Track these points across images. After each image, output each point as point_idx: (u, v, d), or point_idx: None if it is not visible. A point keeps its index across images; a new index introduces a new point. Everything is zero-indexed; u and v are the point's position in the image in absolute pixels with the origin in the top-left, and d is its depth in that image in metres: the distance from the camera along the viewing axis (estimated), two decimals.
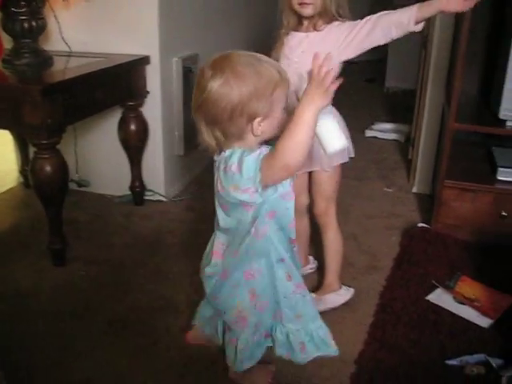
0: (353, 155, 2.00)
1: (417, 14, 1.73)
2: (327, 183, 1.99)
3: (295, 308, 1.53)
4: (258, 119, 1.29)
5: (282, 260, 1.46)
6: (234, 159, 1.30)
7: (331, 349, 1.60)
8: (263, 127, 1.31)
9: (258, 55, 1.35)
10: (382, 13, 1.81)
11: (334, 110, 1.89)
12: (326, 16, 1.80)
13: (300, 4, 1.78)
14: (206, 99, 1.28)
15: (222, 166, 1.34)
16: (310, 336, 1.57)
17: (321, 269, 2.21)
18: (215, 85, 1.26)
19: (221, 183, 1.36)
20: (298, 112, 1.22)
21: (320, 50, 1.59)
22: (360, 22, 1.79)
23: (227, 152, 1.34)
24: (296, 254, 1.52)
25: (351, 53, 1.83)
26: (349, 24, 1.80)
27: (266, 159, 1.26)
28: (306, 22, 1.85)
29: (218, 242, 1.52)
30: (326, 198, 2.01)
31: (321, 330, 1.59)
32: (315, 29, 1.82)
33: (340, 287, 2.09)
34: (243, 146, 1.32)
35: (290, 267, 1.48)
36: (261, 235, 1.41)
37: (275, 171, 1.26)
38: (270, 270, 1.46)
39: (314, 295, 1.97)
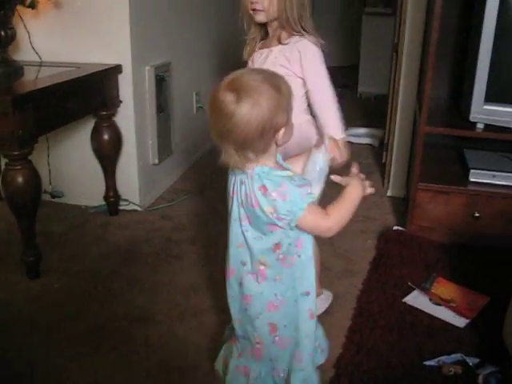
0: None
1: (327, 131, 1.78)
2: None
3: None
4: (282, 130, 1.29)
5: (307, 293, 1.41)
6: (271, 184, 1.27)
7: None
8: (283, 135, 1.30)
9: (262, 69, 1.40)
10: (321, 98, 1.82)
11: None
12: (289, 27, 1.76)
13: (253, 10, 1.75)
14: (236, 124, 1.23)
15: (255, 184, 1.28)
16: None
17: None
18: (245, 107, 1.22)
19: (256, 200, 1.28)
20: (354, 196, 1.41)
21: (285, 66, 1.72)
22: (310, 79, 1.79)
23: (256, 169, 1.29)
24: None
25: None
26: (309, 61, 1.77)
27: (317, 214, 1.31)
28: (270, 32, 1.82)
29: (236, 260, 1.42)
30: None
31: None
32: (280, 42, 1.78)
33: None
34: (266, 158, 1.31)
35: (313, 303, 1.43)
36: (289, 263, 1.38)
37: (317, 228, 1.33)
38: (295, 303, 1.41)
39: None
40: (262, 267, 1.36)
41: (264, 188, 1.27)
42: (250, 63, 1.88)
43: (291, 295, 1.39)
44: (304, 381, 1.46)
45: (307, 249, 1.39)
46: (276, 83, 1.27)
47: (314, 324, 1.44)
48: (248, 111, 1.22)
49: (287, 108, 1.28)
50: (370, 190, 1.44)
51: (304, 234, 1.36)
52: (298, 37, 1.78)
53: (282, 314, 1.39)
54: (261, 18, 1.75)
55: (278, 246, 1.34)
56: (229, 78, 1.27)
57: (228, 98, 1.23)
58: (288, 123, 1.30)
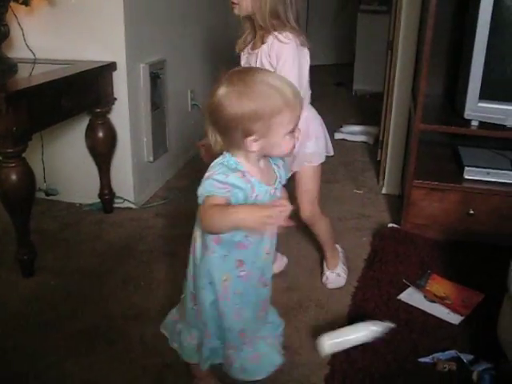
0: (332, 153, 2.06)
1: None
2: (310, 184, 2.03)
3: None
4: (251, 137, 1.27)
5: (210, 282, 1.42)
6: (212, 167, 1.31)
7: None
8: (260, 145, 1.28)
9: (279, 75, 1.37)
10: None
11: (315, 113, 2.02)
12: (265, 25, 1.77)
13: (232, 3, 1.78)
14: (212, 102, 1.27)
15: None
16: None
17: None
18: (221, 93, 1.25)
19: None
20: (233, 211, 1.25)
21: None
22: None
23: (219, 159, 1.32)
24: None
25: None
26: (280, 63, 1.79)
27: (205, 208, 1.28)
28: (257, 30, 1.83)
29: None
30: (310, 201, 2.06)
31: None
32: (263, 42, 1.81)
33: (338, 252, 2.29)
34: (243, 155, 1.31)
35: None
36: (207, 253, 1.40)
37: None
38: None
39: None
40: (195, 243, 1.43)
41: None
42: (242, 56, 1.89)
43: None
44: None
45: (217, 247, 1.37)
46: (270, 94, 1.25)
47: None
48: (220, 97, 1.25)
49: (268, 122, 1.25)
50: (269, 228, 1.28)
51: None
52: (271, 37, 1.78)
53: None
54: (236, 11, 1.78)
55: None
56: (243, 67, 1.29)
57: (222, 79, 1.27)
58: (267, 136, 1.27)
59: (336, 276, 2.24)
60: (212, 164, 1.32)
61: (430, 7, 2.27)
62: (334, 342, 1.73)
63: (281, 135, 1.28)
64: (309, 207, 2.07)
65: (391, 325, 1.76)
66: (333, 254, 2.27)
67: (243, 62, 1.90)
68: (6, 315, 2.01)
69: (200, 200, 1.29)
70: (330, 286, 2.22)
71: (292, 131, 1.30)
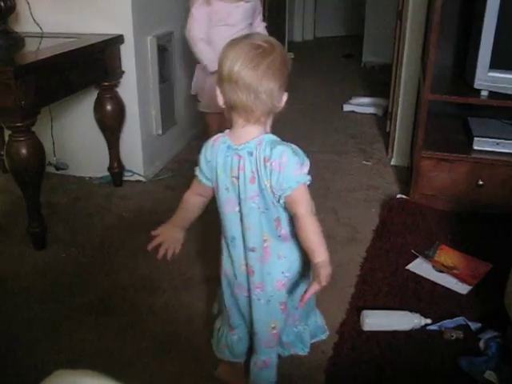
0: None
1: None
2: None
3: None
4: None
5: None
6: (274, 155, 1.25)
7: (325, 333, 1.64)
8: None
9: None
10: None
11: None
12: None
13: None
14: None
15: (262, 154, 1.26)
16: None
17: None
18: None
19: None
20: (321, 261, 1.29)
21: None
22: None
23: (265, 137, 1.29)
24: None
25: None
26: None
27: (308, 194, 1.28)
28: None
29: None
30: None
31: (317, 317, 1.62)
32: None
33: None
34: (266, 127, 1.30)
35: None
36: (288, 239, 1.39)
37: (309, 204, 1.28)
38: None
39: None
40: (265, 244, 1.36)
41: (267, 158, 1.25)
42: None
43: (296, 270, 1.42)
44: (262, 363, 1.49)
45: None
46: None
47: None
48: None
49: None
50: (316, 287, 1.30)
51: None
52: None
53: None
54: None
55: (278, 220, 1.34)
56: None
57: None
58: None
59: None
60: (278, 146, 1.26)
61: None
62: (375, 320, 1.79)
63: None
64: None
65: (428, 321, 1.79)
66: None
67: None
68: (19, 287, 2.04)
69: (296, 186, 1.26)
70: None
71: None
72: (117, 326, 1.83)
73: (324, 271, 1.28)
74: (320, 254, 1.30)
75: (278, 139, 1.30)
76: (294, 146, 1.28)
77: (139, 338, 1.78)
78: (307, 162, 1.28)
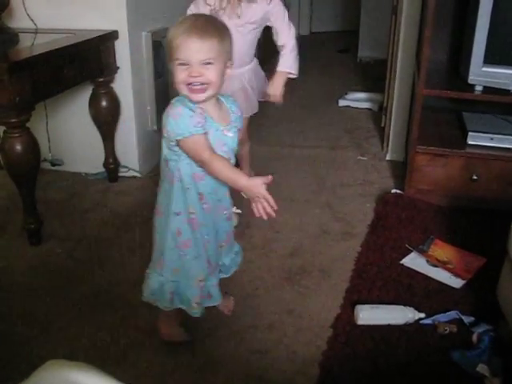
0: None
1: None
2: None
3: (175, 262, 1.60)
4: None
5: (177, 214, 1.55)
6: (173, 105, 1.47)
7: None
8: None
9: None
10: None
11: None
12: None
13: None
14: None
15: None
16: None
17: None
18: None
19: None
20: (240, 179, 1.45)
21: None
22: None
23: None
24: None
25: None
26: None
27: (199, 144, 1.43)
28: None
29: None
30: (246, 125, 2.32)
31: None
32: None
33: None
34: None
35: (181, 223, 1.55)
36: (170, 182, 1.55)
37: (197, 156, 1.45)
38: (166, 219, 1.57)
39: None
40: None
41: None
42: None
43: (165, 210, 1.57)
44: (160, 284, 1.62)
45: (184, 175, 1.50)
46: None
47: (175, 241, 1.57)
48: None
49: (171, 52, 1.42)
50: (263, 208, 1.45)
51: (184, 162, 1.48)
52: None
53: (158, 223, 1.61)
54: None
55: (166, 161, 1.53)
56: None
57: None
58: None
59: None
60: (172, 101, 1.47)
61: None
62: (370, 315, 1.80)
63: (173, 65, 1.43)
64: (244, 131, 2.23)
65: (422, 315, 1.82)
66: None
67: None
68: (15, 282, 2.05)
69: (179, 137, 1.43)
70: None
71: (182, 63, 1.40)
72: (111, 320, 1.84)
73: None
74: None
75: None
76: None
77: (133, 332, 1.79)
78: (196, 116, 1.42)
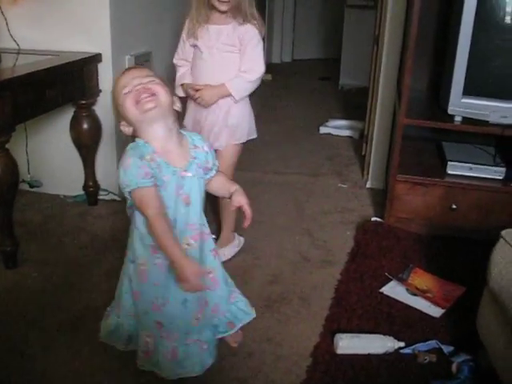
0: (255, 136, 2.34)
1: None
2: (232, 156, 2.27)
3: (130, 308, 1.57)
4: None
5: (132, 261, 1.52)
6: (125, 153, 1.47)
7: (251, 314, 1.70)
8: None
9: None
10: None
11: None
12: (240, 13, 2.10)
13: (218, 1, 2.07)
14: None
15: None
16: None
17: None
18: None
19: None
20: (171, 251, 1.36)
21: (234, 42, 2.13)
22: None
23: None
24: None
25: None
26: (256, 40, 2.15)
27: (143, 202, 1.38)
28: (221, 16, 2.13)
29: None
30: (232, 174, 2.26)
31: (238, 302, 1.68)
32: (233, 22, 2.13)
33: (234, 238, 2.40)
34: (150, 134, 1.46)
35: (133, 272, 1.52)
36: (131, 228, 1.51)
37: (142, 211, 1.39)
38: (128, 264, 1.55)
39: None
40: None
41: None
42: (187, 39, 2.22)
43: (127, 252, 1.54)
44: (116, 326, 1.60)
45: (139, 224, 1.45)
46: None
47: (130, 287, 1.53)
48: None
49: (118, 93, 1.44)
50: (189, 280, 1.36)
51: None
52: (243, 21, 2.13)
53: (124, 261, 1.56)
54: (224, 8, 2.09)
55: (128, 207, 1.49)
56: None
57: None
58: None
59: (230, 248, 2.37)
60: (127, 148, 1.43)
61: (415, 2, 2.28)
62: (349, 344, 1.79)
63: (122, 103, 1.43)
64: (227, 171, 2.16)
65: (401, 344, 1.81)
66: (228, 237, 2.38)
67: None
68: None
69: (127, 190, 1.39)
70: (228, 257, 2.32)
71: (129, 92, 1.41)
72: (89, 347, 1.80)
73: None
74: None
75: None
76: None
77: (110, 360, 1.75)
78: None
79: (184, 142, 1.49)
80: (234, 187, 1.57)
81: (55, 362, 1.74)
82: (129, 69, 1.52)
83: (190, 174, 1.45)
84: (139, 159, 1.37)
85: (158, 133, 1.43)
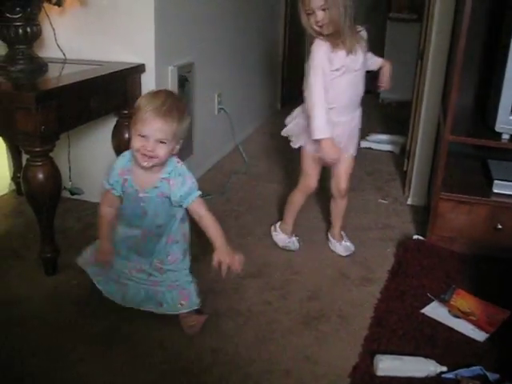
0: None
1: None
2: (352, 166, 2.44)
3: None
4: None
5: None
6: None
7: None
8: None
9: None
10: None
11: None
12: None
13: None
14: None
15: None
16: None
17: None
18: None
19: None
20: (101, 242, 1.95)
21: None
22: None
23: None
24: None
25: None
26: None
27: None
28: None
29: None
30: (350, 179, 2.45)
31: None
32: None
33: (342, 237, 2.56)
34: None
35: None
36: None
37: None
38: None
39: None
40: None
41: None
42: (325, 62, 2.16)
43: None
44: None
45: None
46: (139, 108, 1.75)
47: None
48: None
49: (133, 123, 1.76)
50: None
51: None
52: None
53: None
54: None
55: None
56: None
57: None
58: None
59: (347, 244, 2.52)
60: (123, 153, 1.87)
61: (464, 16, 2.23)
62: (390, 366, 1.74)
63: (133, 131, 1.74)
64: (348, 183, 2.44)
65: (444, 368, 1.76)
66: (339, 232, 2.55)
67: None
68: (28, 313, 2.01)
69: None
70: (345, 253, 2.48)
71: (142, 135, 1.70)
72: (124, 358, 1.80)
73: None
74: None
75: None
76: None
77: (146, 372, 1.74)
78: None
79: (157, 174, 1.79)
80: (218, 243, 1.79)
81: (89, 373, 1.74)
82: (159, 113, 1.69)
83: (148, 195, 1.80)
84: (119, 167, 1.83)
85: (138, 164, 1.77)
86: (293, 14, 4.94)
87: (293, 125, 2.37)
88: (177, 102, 1.76)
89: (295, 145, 2.38)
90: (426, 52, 2.94)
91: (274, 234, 2.58)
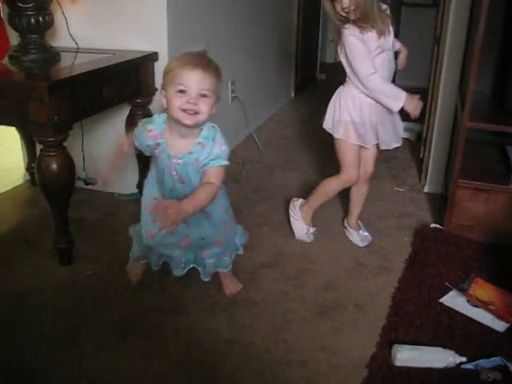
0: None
1: None
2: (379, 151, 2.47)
3: None
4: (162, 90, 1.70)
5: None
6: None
7: None
8: (164, 98, 1.69)
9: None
10: None
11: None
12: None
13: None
14: None
15: None
16: None
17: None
18: None
19: None
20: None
21: None
22: None
23: None
24: None
25: None
26: None
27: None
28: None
29: None
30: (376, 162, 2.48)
31: None
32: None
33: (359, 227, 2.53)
34: (168, 117, 1.76)
35: None
36: None
37: None
38: None
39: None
40: None
41: None
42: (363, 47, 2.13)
43: None
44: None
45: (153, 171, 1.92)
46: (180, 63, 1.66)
47: None
48: None
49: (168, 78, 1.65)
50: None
51: None
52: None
53: None
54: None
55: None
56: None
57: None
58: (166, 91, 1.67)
59: (365, 234, 2.49)
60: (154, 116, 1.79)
61: (483, 2, 2.18)
62: (409, 356, 1.72)
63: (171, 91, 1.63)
64: (375, 168, 2.47)
65: (463, 359, 1.72)
66: (356, 221, 2.52)
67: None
68: (42, 303, 2.01)
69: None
70: (363, 244, 2.45)
71: (181, 91, 1.60)
72: (139, 348, 1.79)
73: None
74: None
75: None
76: None
77: (162, 362, 1.73)
78: None
79: (193, 139, 1.70)
80: (184, 199, 1.68)
81: (107, 361, 1.73)
82: (198, 64, 1.61)
83: (181, 161, 1.72)
84: (145, 130, 1.75)
85: (175, 125, 1.69)
86: (306, 2, 4.90)
87: (330, 116, 2.34)
88: (211, 60, 1.68)
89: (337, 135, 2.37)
90: (442, 38, 2.88)
91: (292, 214, 2.50)
